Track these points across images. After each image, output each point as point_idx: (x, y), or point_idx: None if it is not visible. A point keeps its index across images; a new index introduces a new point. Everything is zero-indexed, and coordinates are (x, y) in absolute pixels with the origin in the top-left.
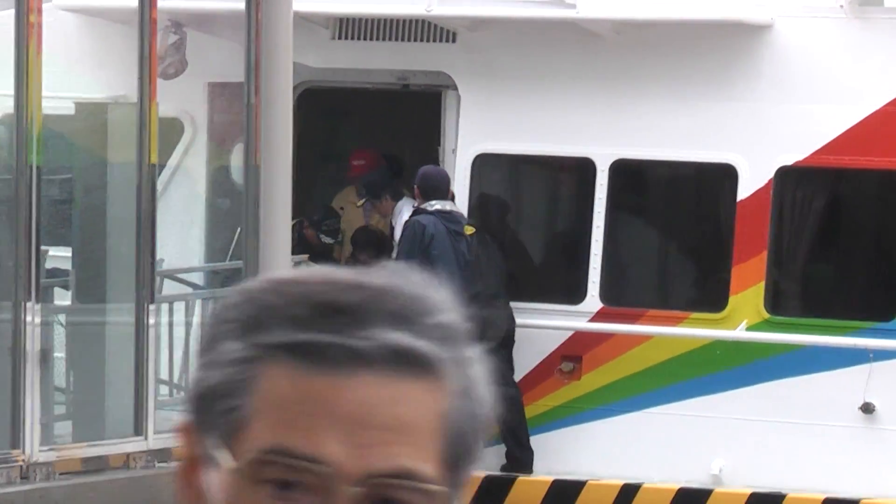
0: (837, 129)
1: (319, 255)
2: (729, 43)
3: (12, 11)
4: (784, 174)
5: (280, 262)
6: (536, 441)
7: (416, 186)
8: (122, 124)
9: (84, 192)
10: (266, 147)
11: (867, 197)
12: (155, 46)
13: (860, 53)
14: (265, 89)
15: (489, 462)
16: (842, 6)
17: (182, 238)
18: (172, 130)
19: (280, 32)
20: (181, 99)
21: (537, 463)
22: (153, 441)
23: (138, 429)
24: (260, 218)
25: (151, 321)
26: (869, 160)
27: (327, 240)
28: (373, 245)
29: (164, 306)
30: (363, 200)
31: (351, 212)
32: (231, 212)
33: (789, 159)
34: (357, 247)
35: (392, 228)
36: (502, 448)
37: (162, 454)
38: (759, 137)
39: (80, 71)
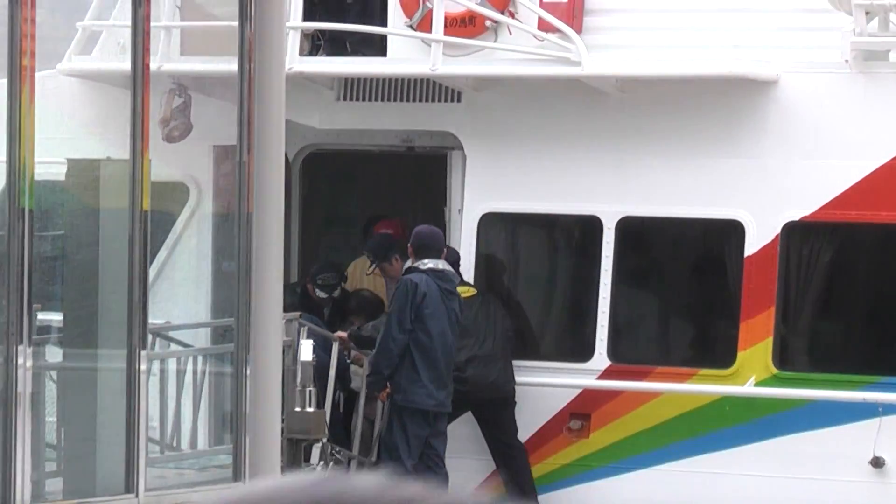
0: (844, 184)
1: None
2: (734, 99)
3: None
4: (791, 230)
5: (271, 316)
6: (546, 499)
7: (409, 245)
8: (116, 180)
9: (76, 249)
10: (259, 201)
11: (874, 251)
12: (148, 98)
13: (866, 108)
14: (258, 144)
15: None
16: (847, 61)
17: (188, 302)
18: (177, 195)
19: (273, 88)
20: (186, 163)
21: None
22: (144, 498)
23: (129, 486)
24: (252, 271)
25: (143, 378)
26: (875, 214)
27: (321, 294)
28: (365, 311)
29: (156, 363)
30: (373, 267)
31: (363, 282)
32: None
33: (796, 215)
34: (350, 312)
35: None
36: None
37: None
38: (765, 193)
39: (82, 134)
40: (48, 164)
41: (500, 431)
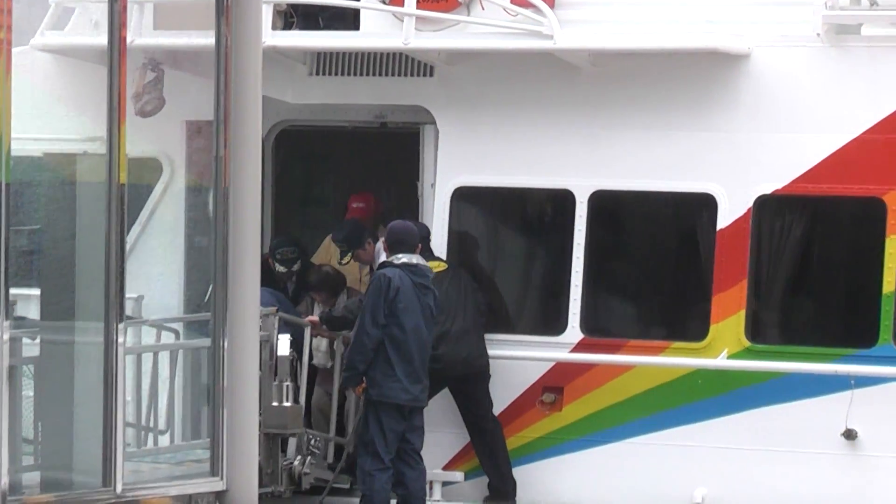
0: (816, 158)
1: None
2: (706, 73)
3: None
4: (763, 203)
5: (248, 294)
6: (519, 472)
7: (383, 240)
8: (91, 157)
9: (53, 224)
10: (235, 176)
11: (846, 224)
12: (125, 72)
13: (837, 82)
14: (234, 119)
15: (473, 494)
16: (819, 35)
17: (163, 277)
18: (151, 170)
19: (250, 62)
20: (159, 139)
21: (520, 494)
22: (121, 491)
23: (106, 480)
24: (229, 255)
25: (119, 354)
26: (847, 188)
27: (280, 268)
28: (327, 286)
29: (132, 357)
30: (348, 256)
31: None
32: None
33: (768, 188)
34: (311, 288)
35: (372, 271)
36: (485, 479)
37: None
38: (737, 167)
39: (56, 110)
40: (23, 139)
41: (475, 406)
